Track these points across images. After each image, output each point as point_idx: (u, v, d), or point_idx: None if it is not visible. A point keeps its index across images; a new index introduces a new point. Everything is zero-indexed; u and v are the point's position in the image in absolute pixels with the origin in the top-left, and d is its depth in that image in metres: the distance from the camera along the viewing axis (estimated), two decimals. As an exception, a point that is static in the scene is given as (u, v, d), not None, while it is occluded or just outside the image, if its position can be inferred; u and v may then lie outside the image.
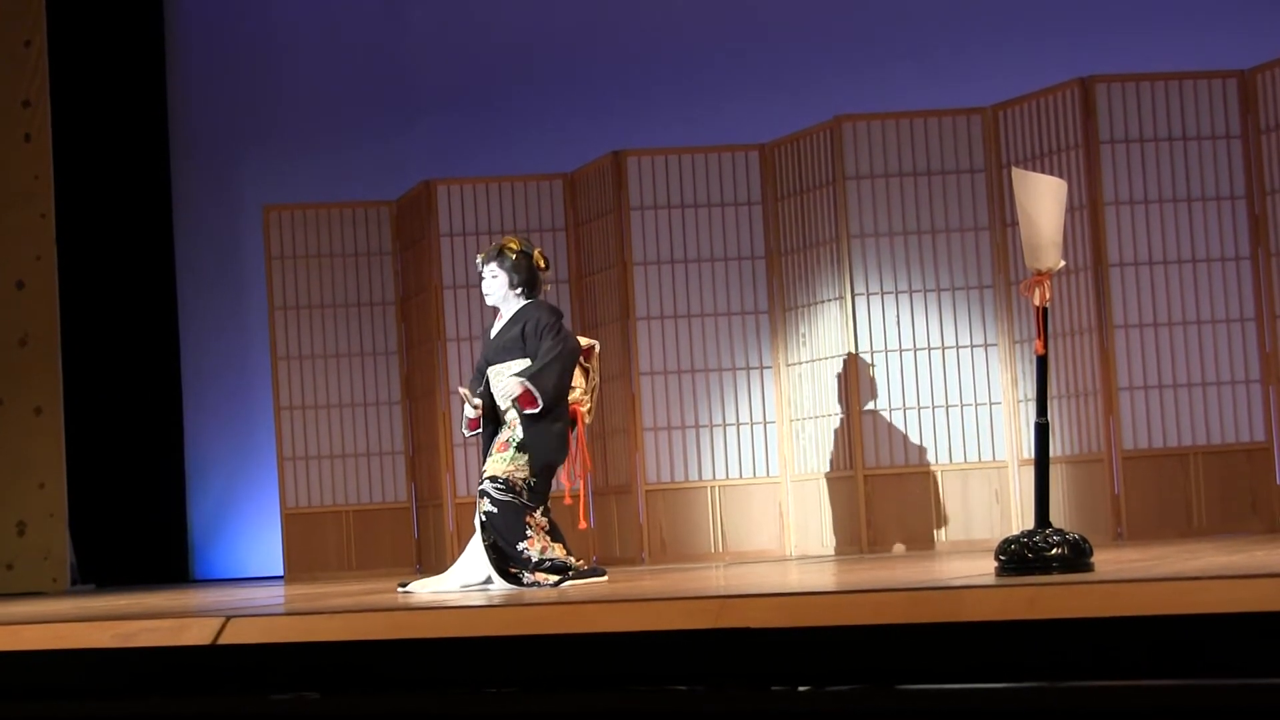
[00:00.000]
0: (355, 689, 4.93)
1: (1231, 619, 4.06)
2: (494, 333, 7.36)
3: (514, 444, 7.15)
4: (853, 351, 9.48)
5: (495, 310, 7.43)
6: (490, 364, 7.31)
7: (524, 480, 7.12)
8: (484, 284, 7.35)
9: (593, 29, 11.75)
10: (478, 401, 7.26)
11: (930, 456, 9.47)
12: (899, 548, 9.33)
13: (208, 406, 12.27)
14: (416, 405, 10.78)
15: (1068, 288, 9.13)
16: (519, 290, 7.30)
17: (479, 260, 7.38)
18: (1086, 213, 9.07)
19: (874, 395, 9.49)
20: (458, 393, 7.36)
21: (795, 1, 11.29)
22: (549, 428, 7.16)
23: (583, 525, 7.55)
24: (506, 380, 7.16)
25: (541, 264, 7.35)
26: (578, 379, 7.30)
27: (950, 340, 9.53)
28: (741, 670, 4.55)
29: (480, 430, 7.29)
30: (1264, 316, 8.99)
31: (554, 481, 7.31)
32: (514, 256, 7.28)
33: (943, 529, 9.41)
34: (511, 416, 7.18)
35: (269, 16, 12.47)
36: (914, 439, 9.47)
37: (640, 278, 10.01)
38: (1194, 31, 10.14)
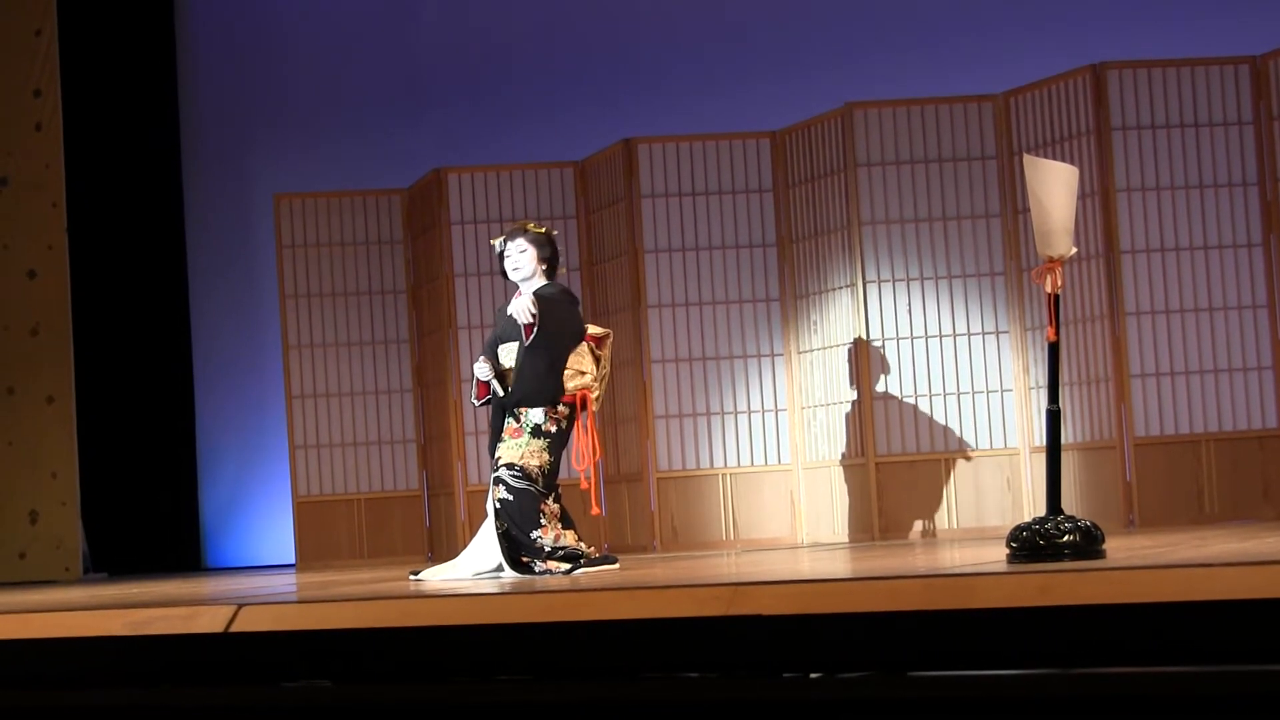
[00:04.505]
0: (367, 676, 4.94)
1: (1243, 606, 4.05)
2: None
3: (527, 429, 7.15)
4: (864, 339, 9.47)
5: (508, 294, 7.40)
6: (503, 342, 7.29)
7: (539, 468, 7.12)
8: (510, 260, 7.30)
9: (603, 17, 11.74)
10: (489, 369, 7.21)
11: (942, 444, 9.46)
12: (918, 528, 9.33)
13: (219, 395, 12.29)
14: (428, 393, 10.79)
15: (1079, 275, 9.12)
16: (544, 267, 7.31)
17: (499, 243, 7.35)
18: (1098, 199, 9.05)
19: (885, 382, 9.48)
20: (471, 379, 7.31)
21: (806, -12, 11.29)
22: (541, 363, 7.11)
23: (595, 511, 7.55)
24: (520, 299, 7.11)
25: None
26: (588, 365, 7.29)
27: (962, 327, 9.52)
28: (753, 658, 4.55)
29: (489, 399, 7.27)
30: (1276, 303, 8.97)
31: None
32: (539, 233, 7.31)
33: (954, 516, 9.41)
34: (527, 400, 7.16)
35: (279, 4, 12.47)
36: (925, 426, 9.46)
37: (651, 265, 10.00)
38: (1206, 17, 10.12)
